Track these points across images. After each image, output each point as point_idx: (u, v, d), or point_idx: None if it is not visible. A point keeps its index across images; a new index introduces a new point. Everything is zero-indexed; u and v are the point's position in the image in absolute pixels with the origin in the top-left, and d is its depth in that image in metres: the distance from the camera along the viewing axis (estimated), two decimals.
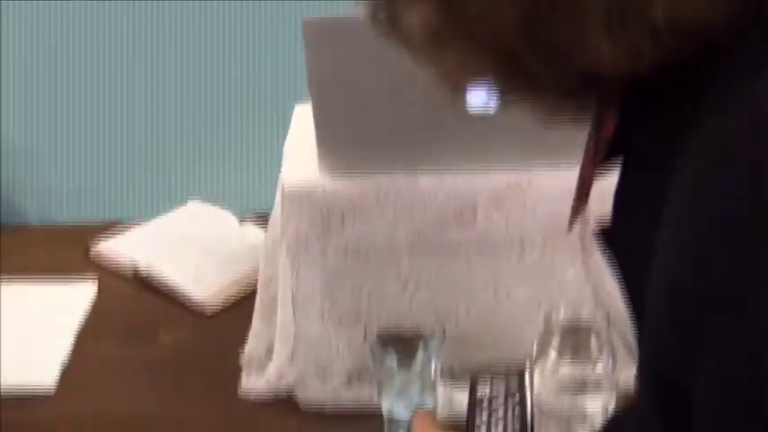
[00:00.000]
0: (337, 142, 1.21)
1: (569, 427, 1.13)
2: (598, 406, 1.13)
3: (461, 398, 1.23)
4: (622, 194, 0.68)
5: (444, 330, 1.15)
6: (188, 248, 1.55)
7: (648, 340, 0.61)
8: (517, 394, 0.78)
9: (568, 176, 1.22)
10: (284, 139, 1.37)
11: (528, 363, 1.15)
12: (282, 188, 1.21)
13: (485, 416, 0.77)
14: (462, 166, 1.22)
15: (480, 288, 1.26)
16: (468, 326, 1.28)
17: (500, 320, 1.28)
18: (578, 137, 1.21)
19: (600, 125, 0.69)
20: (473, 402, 0.78)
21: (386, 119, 1.18)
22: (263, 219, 1.55)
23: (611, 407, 1.14)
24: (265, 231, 1.47)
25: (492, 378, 0.79)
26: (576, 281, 1.27)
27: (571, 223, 0.81)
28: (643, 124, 0.65)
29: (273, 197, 1.28)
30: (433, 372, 1.14)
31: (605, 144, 0.69)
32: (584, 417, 1.13)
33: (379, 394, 1.17)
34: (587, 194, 0.73)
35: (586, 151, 0.70)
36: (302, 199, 1.20)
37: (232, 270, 1.50)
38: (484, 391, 0.79)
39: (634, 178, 0.67)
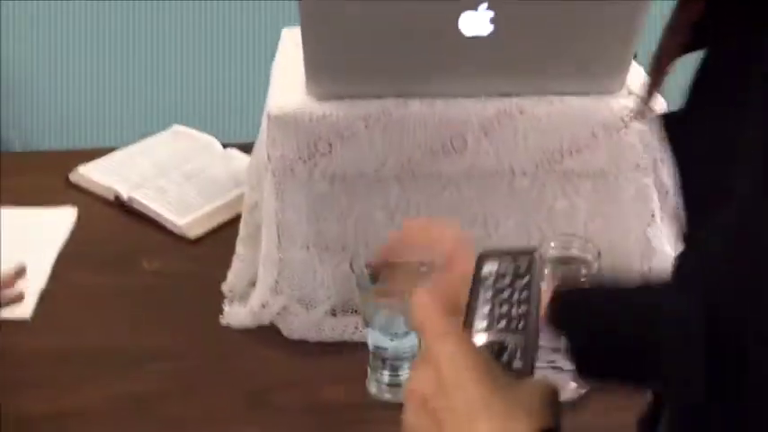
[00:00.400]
0: (326, 66, 1.17)
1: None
2: None
3: None
4: (702, 78, 0.64)
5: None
6: (170, 174, 1.52)
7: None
8: (527, 276, 0.72)
9: (560, 105, 1.21)
10: (271, 63, 1.33)
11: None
12: (268, 112, 1.17)
13: (488, 294, 0.72)
14: (453, 93, 1.19)
15: (469, 218, 1.23)
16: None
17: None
18: (569, 65, 1.20)
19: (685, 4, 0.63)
20: (477, 279, 0.73)
21: (376, 43, 1.14)
22: (248, 145, 1.52)
23: None
24: (250, 157, 1.44)
25: (500, 257, 0.74)
26: (566, 212, 1.24)
27: (641, 113, 0.78)
28: (732, 8, 0.62)
29: (259, 123, 1.24)
30: None
31: (688, 26, 0.63)
32: None
33: (365, 326, 1.14)
34: (661, 79, 0.68)
35: (666, 33, 0.65)
36: (289, 123, 1.17)
37: (216, 196, 1.47)
38: (491, 269, 0.73)
39: (716, 62, 0.63)
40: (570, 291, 0.90)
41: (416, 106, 1.18)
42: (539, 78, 1.18)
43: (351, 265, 1.12)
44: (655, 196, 1.24)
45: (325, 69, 1.17)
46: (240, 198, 1.44)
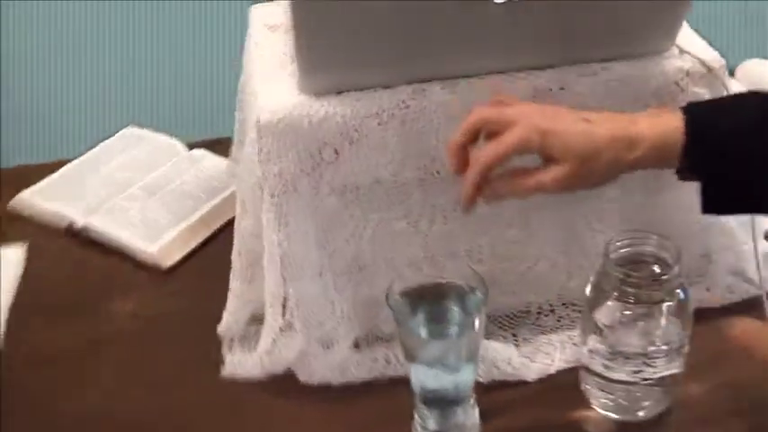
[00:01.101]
0: (323, 53, 0.94)
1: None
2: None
3: (507, 353, 1.02)
4: None
5: (485, 282, 0.91)
6: (130, 189, 1.28)
7: None
8: None
9: (605, 75, 1.00)
10: (235, 46, 1.13)
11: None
12: (258, 121, 0.95)
13: None
14: (479, 71, 0.98)
15: (507, 219, 1.03)
16: (494, 265, 1.05)
17: (530, 255, 1.05)
18: (611, 23, 1.00)
19: None
20: None
21: (383, 18, 0.91)
22: (217, 143, 1.30)
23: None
24: (228, 160, 1.22)
25: None
26: (617, 200, 1.05)
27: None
28: None
29: (225, 114, 1.01)
30: (475, 333, 0.91)
31: None
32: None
33: (407, 360, 0.94)
34: None
35: None
36: (285, 131, 0.95)
37: (188, 212, 1.25)
38: None
39: None
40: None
41: (437, 92, 0.97)
42: (578, 44, 0.98)
43: (387, 298, 0.91)
44: None
45: (322, 57, 0.95)
46: (218, 210, 1.22)
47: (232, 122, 1.19)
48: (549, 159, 0.87)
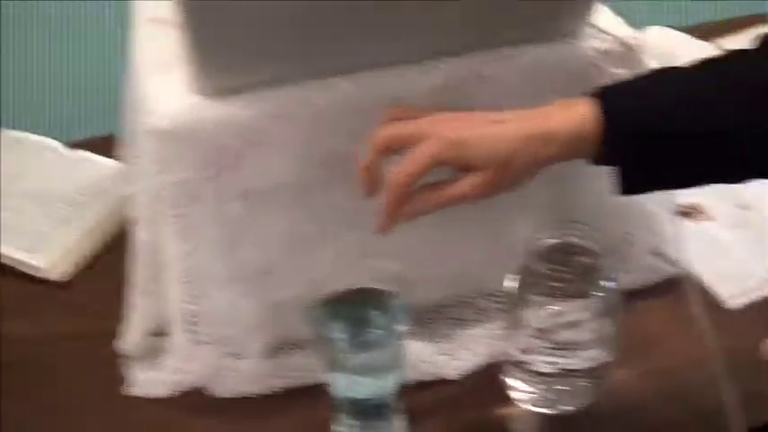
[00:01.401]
0: (218, 50, 0.87)
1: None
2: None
3: (427, 352, 0.98)
4: None
5: (408, 287, 0.87)
6: (7, 197, 1.20)
7: None
8: None
9: (520, 60, 0.96)
10: (114, 40, 1.06)
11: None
12: (154, 126, 0.88)
13: None
14: (387, 61, 0.93)
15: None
16: (409, 263, 1.01)
17: (447, 250, 1.01)
18: (524, 13, 0.95)
19: None
20: None
21: (280, 9, 0.84)
22: (100, 142, 1.22)
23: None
24: (118, 162, 1.15)
25: None
26: (537, 189, 1.01)
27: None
28: None
29: (106, 108, 0.94)
30: (400, 339, 0.87)
31: None
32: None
33: (327, 371, 0.89)
34: None
35: None
36: (183, 137, 0.88)
37: (75, 218, 1.17)
38: None
39: None
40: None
41: (342, 86, 0.91)
42: (489, 28, 0.93)
43: (305, 308, 0.86)
44: None
45: (215, 54, 0.87)
46: (110, 216, 1.15)
47: (112, 119, 1.11)
48: (465, 168, 0.84)
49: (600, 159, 0.85)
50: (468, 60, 0.93)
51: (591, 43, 0.96)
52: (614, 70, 0.97)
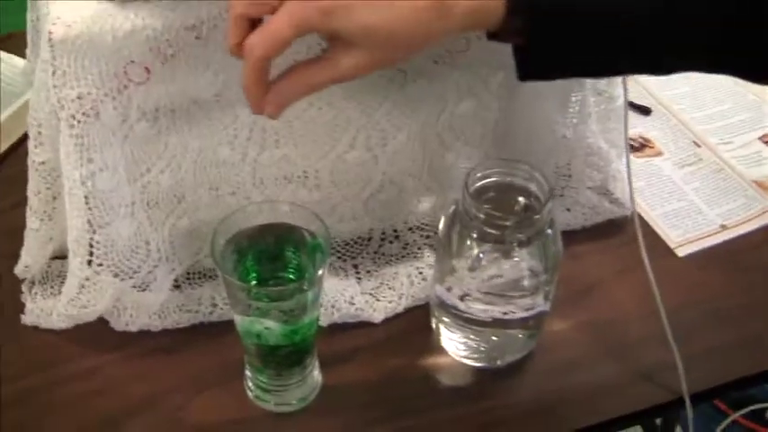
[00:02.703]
0: None
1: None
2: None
3: (349, 292, 0.91)
4: None
5: (325, 225, 0.79)
6: None
7: None
8: None
9: None
10: None
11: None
12: (50, 35, 0.77)
13: None
14: None
15: (348, 140, 0.90)
16: (333, 191, 0.93)
17: (375, 179, 0.93)
18: None
19: None
20: None
21: None
22: (9, 40, 1.12)
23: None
24: (25, 62, 1.04)
25: None
26: (474, 118, 0.93)
27: None
28: None
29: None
30: (317, 283, 0.78)
31: None
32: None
33: (235, 313, 0.81)
34: None
35: None
36: (84, 48, 0.77)
37: None
38: None
39: None
40: None
41: None
42: None
43: (211, 246, 0.77)
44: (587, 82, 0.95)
45: None
46: (14, 121, 1.05)
47: (22, 16, 1.01)
48: (337, 40, 0.68)
49: (501, 35, 0.72)
50: None
51: None
52: None
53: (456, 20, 0.68)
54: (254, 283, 0.81)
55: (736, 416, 1.74)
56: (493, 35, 0.73)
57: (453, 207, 0.84)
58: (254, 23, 0.69)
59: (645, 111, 1.18)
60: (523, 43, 0.71)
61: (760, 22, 0.71)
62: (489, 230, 0.80)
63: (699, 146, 1.13)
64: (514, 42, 0.72)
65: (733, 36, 0.72)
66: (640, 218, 1.02)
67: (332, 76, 0.70)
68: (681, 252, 1.01)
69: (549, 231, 0.82)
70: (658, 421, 1.57)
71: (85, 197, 0.83)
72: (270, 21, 0.67)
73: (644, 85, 1.22)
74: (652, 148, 1.13)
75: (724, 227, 1.04)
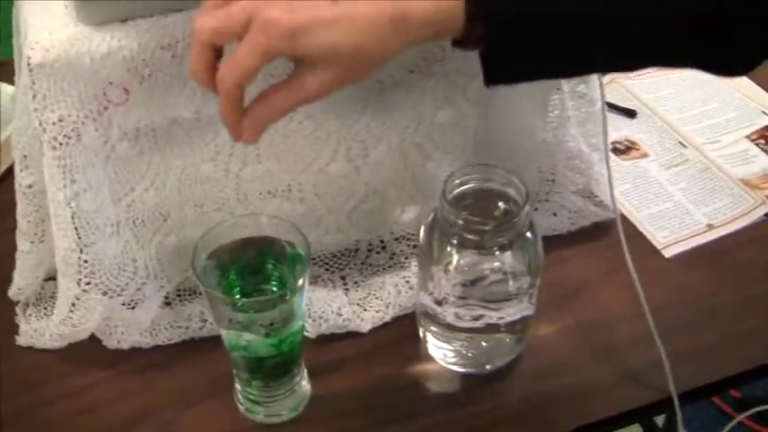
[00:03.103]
0: None
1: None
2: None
3: (336, 303, 0.92)
4: None
5: (304, 235, 0.80)
6: None
7: None
8: None
9: None
10: None
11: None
12: (28, 60, 0.79)
13: None
14: None
15: (329, 152, 0.91)
16: (317, 204, 0.94)
17: (358, 190, 0.94)
18: None
19: None
20: None
21: None
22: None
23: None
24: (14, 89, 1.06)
25: None
26: (455, 126, 0.94)
27: None
28: None
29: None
30: (299, 293, 0.79)
31: None
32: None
33: (220, 327, 0.82)
34: None
35: None
36: (63, 72, 0.79)
37: None
38: None
39: None
40: None
41: None
42: None
43: (192, 262, 0.78)
44: (565, 85, 0.96)
45: None
46: (6, 147, 1.07)
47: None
48: (302, 61, 0.70)
49: (464, 43, 0.73)
50: None
51: None
52: None
53: (414, 33, 0.69)
54: (238, 296, 0.82)
55: (741, 417, 1.73)
56: (457, 43, 0.74)
57: (432, 215, 0.85)
58: (217, 50, 0.71)
59: (630, 113, 1.19)
60: (486, 50, 0.72)
61: (725, 18, 0.72)
62: (469, 236, 0.81)
63: (685, 146, 1.14)
64: (478, 49, 0.73)
65: (699, 33, 0.73)
66: (627, 220, 1.03)
67: (300, 97, 0.71)
68: (667, 253, 1.01)
69: (529, 235, 0.83)
70: (660, 423, 1.57)
71: (70, 217, 0.84)
72: (236, 51, 0.68)
73: (628, 88, 1.23)
74: (638, 150, 1.13)
75: (711, 226, 1.04)
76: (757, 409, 1.74)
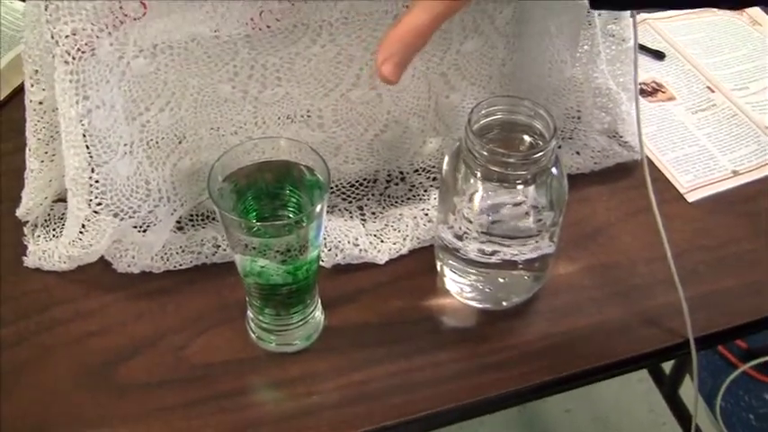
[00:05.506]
0: None
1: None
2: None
3: (353, 233, 0.90)
4: None
5: (323, 160, 0.77)
6: None
7: None
8: None
9: None
10: None
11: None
12: None
13: None
14: None
15: (352, 78, 0.88)
16: (336, 131, 0.92)
17: (379, 118, 0.92)
18: None
19: None
20: None
21: None
22: None
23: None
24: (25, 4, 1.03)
25: None
26: (481, 57, 0.91)
27: None
28: None
29: None
30: (316, 221, 0.77)
31: None
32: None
33: (234, 252, 0.80)
34: None
35: None
36: None
37: None
38: None
39: None
40: None
41: None
42: None
43: (209, 184, 0.76)
44: (597, 20, 0.93)
45: None
46: (15, 65, 1.04)
47: None
48: None
49: None
50: None
51: None
52: None
53: None
54: (254, 221, 0.80)
55: (745, 367, 1.72)
56: None
57: (456, 145, 0.82)
58: None
59: (658, 55, 1.16)
60: None
61: None
62: (493, 168, 0.79)
63: (713, 91, 1.11)
64: None
65: None
66: (651, 163, 1.00)
67: (439, 14, 0.71)
68: (691, 197, 0.99)
69: (554, 170, 0.81)
70: (668, 371, 1.56)
71: (82, 135, 0.82)
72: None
73: (658, 30, 1.20)
74: (664, 92, 1.11)
75: (735, 173, 1.02)
76: (762, 359, 1.73)
